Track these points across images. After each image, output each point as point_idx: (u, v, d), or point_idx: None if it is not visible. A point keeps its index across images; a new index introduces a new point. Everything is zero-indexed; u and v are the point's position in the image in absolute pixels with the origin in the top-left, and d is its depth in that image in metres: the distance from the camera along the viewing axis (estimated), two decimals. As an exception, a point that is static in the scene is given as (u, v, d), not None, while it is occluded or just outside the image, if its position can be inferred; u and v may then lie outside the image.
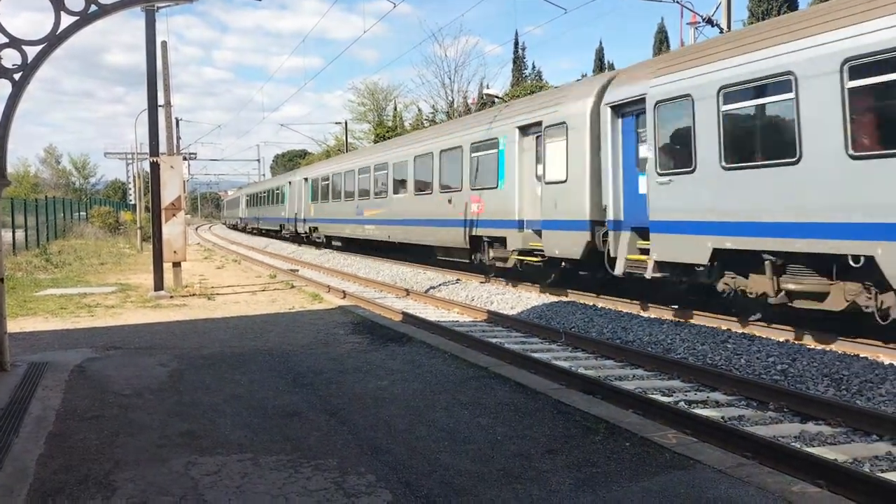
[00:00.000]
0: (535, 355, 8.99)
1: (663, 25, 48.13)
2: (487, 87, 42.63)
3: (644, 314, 12.01)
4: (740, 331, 10.20)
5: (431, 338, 8.81)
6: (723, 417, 6.41)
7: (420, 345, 8.24)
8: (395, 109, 61.00)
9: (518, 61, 54.19)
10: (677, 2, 18.45)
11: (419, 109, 55.40)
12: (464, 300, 14.76)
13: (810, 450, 5.53)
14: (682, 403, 6.93)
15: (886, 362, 8.13)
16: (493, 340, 10.06)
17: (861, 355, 8.44)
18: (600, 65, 51.01)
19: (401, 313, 12.29)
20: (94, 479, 4.08)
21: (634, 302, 12.81)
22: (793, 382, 7.67)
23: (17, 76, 6.58)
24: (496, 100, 33.70)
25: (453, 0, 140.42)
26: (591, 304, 13.29)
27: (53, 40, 6.76)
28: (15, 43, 6.55)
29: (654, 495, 3.80)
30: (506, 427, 5.05)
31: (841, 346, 8.92)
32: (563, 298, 14.14)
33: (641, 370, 8.47)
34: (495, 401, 5.75)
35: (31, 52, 6.65)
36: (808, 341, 9.31)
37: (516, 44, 54.05)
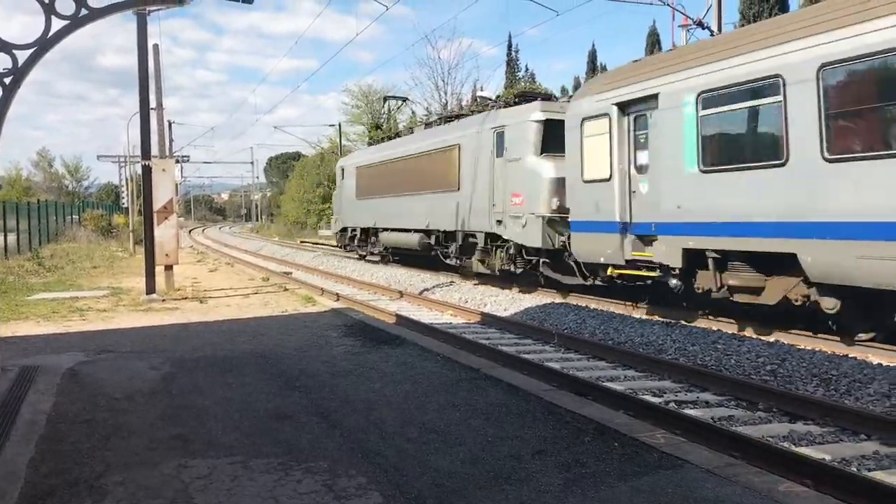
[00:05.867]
0: (528, 357, 9.02)
1: (655, 28, 48.27)
2: (481, 90, 42.58)
3: (636, 315, 12.05)
4: (730, 332, 10.26)
5: (424, 340, 8.82)
6: (712, 417, 6.45)
7: (413, 347, 8.25)
8: (389, 111, 60.91)
9: (512, 63, 54.21)
10: (668, 5, 18.50)
11: (413, 112, 55.35)
12: (457, 302, 14.78)
13: (798, 449, 5.58)
14: (672, 404, 6.98)
15: (875, 362, 8.19)
16: (486, 342, 10.09)
17: (850, 355, 8.50)
18: (593, 67, 51.14)
19: (394, 315, 12.31)
20: (85, 482, 4.08)
21: (626, 303, 12.86)
22: (782, 383, 7.72)
23: (7, 80, 6.57)
24: (490, 102, 33.55)
25: (448, 2, 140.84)
26: (584, 305, 13.33)
27: (44, 44, 6.75)
28: (5, 47, 6.54)
29: (642, 495, 3.83)
30: (497, 428, 5.07)
31: (830, 347, 8.97)
32: (556, 300, 14.17)
33: (633, 371, 8.51)
34: (487, 402, 5.78)
35: (22, 56, 6.64)
36: (797, 341, 9.37)
37: (510, 46, 54.12)
